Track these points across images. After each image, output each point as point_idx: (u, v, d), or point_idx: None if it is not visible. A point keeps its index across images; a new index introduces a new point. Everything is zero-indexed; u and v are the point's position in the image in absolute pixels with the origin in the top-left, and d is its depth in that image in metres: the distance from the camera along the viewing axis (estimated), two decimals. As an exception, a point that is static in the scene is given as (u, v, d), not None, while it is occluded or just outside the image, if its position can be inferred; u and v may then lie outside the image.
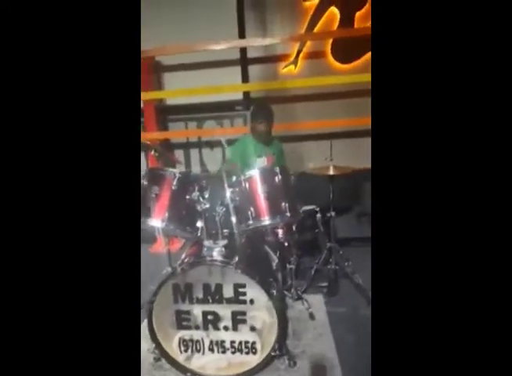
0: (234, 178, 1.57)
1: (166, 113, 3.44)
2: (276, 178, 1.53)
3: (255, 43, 3.04)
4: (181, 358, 1.55)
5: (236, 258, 1.43)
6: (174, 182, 1.54)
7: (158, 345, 1.54)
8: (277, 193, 1.52)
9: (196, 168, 3.53)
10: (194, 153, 3.54)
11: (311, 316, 1.96)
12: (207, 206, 1.52)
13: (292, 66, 3.19)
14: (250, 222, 1.50)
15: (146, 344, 1.71)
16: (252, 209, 1.49)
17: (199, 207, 1.50)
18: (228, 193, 1.55)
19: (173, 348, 1.55)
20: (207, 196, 1.59)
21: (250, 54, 3.24)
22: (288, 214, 1.49)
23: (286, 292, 2.11)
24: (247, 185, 1.53)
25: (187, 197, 1.54)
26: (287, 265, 2.04)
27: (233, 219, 1.56)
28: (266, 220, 1.50)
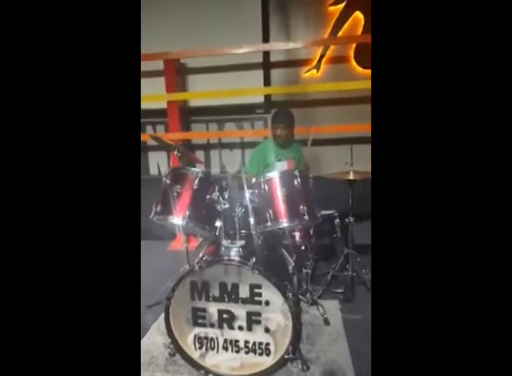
0: (254, 180, 1.59)
1: (189, 115, 3.51)
2: (296, 182, 1.53)
3: (278, 47, 3.07)
4: (195, 355, 1.58)
5: (254, 259, 1.44)
6: (196, 182, 1.58)
7: (174, 341, 1.57)
8: (296, 196, 1.53)
9: (215, 169, 3.57)
10: (214, 154, 3.59)
11: (326, 322, 1.94)
12: (227, 206, 1.54)
13: (314, 71, 3.19)
14: (269, 223, 1.51)
15: (162, 339, 1.75)
16: (270, 211, 1.50)
17: (219, 207, 1.53)
18: (247, 194, 1.57)
19: (188, 344, 1.58)
20: (226, 196, 1.61)
21: (273, 58, 3.27)
22: (306, 217, 1.49)
23: (301, 296, 2.11)
24: (267, 187, 1.54)
25: (207, 196, 1.57)
26: (303, 270, 2.03)
27: (251, 220, 1.58)
28: (284, 222, 1.51)
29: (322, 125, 3.17)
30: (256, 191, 1.56)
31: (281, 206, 1.51)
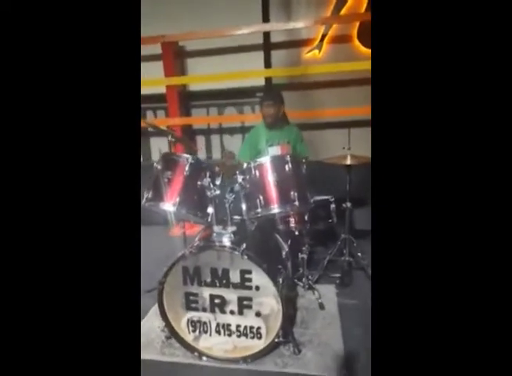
0: (245, 166, 1.57)
1: (189, 99, 3.47)
2: (287, 167, 1.51)
3: (278, 27, 2.97)
4: (189, 338, 1.61)
5: (244, 245, 1.45)
6: (187, 168, 1.57)
7: (168, 324, 1.61)
8: (287, 182, 1.51)
9: (216, 154, 3.55)
10: (215, 139, 3.56)
11: (321, 306, 1.96)
12: (218, 192, 1.53)
13: (316, 51, 3.08)
14: (259, 209, 1.50)
15: (159, 322, 1.79)
16: (261, 197, 1.49)
17: (209, 193, 1.52)
18: (239, 179, 1.55)
19: (182, 327, 1.61)
20: (218, 182, 1.60)
21: (274, 38, 3.17)
22: (297, 203, 1.47)
23: (297, 281, 2.12)
24: (257, 172, 1.52)
25: (198, 182, 1.57)
26: (299, 255, 2.04)
27: (243, 206, 1.57)
28: (274, 208, 1.49)
29: (323, 108, 3.10)
30: (247, 177, 1.54)
31: (271, 192, 1.49)
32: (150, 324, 1.85)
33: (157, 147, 3.67)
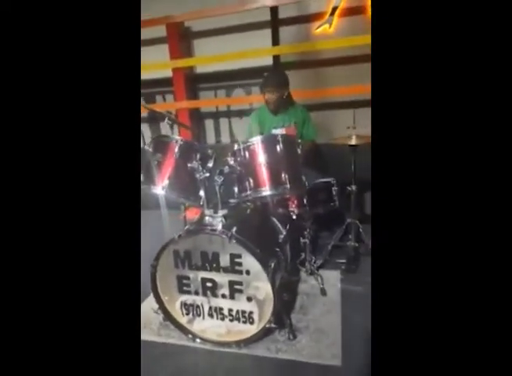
0: (235, 147, 1.50)
1: (196, 82, 3.41)
2: (278, 148, 1.43)
3: (286, 1, 2.80)
4: (183, 320, 1.62)
5: (234, 229, 1.40)
6: (176, 150, 1.53)
7: (162, 307, 1.61)
8: (278, 163, 1.43)
9: (225, 138, 3.49)
10: (224, 122, 3.49)
11: (323, 292, 1.90)
12: (207, 175, 1.49)
13: (326, 26, 2.89)
14: (249, 192, 1.44)
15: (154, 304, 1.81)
16: (251, 179, 1.43)
17: (198, 176, 1.48)
18: (229, 162, 1.50)
19: (176, 310, 1.62)
20: (210, 165, 1.56)
21: (282, 14, 3.01)
22: (288, 185, 1.40)
23: (299, 266, 2.07)
24: (247, 154, 1.45)
25: (189, 165, 1.52)
26: (301, 239, 1.97)
27: (234, 189, 1.52)
28: (265, 191, 1.43)
29: (335, 87, 2.94)
30: (238, 159, 1.48)
31: (261, 174, 1.42)
32: (151, 306, 1.86)
33: (166, 132, 3.66)
